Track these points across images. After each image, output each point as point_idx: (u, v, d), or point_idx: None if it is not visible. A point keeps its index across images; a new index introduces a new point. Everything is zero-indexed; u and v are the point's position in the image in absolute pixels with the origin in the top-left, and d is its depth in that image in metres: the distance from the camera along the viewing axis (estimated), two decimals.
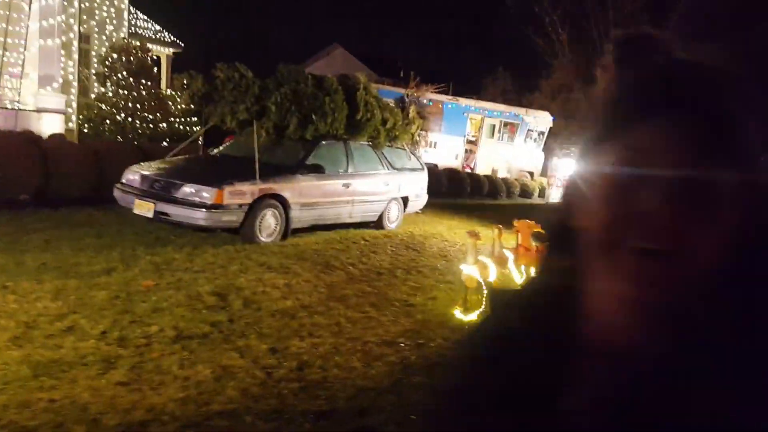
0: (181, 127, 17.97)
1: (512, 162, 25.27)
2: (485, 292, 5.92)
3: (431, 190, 17.69)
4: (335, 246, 8.54)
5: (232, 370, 4.02)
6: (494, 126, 25.78)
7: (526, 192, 22.57)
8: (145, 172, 7.93)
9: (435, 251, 9.14)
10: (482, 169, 24.11)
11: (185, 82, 7.89)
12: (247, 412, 3.48)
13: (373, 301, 6.08)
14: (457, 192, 18.94)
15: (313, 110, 8.77)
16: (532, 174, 25.07)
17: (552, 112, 27.70)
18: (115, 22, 22.76)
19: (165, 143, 16.15)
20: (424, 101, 12.06)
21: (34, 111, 17.15)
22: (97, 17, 22.42)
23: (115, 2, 23.56)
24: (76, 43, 19.63)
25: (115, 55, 17.48)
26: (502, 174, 24.02)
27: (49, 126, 16.65)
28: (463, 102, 24.74)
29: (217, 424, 3.32)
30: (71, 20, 20.79)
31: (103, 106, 17.39)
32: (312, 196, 8.65)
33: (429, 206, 14.70)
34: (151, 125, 17.53)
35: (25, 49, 17.10)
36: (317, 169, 8.72)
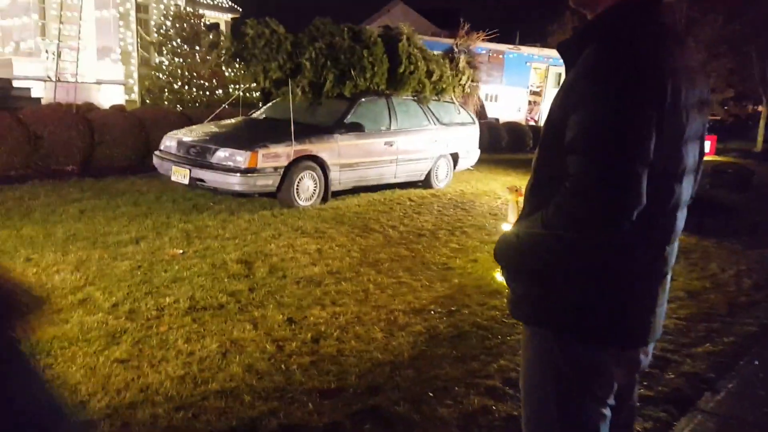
0: (240, 92, 17.91)
1: None
2: None
3: (490, 145, 17.10)
4: (377, 208, 8.18)
5: (241, 343, 3.77)
6: (560, 74, 24.49)
7: None
8: (182, 138, 7.78)
9: (484, 210, 8.64)
10: None
11: (213, 40, 7.59)
12: (247, 390, 3.22)
13: (409, 265, 5.72)
14: (518, 146, 18.16)
15: (351, 65, 8.33)
16: None
17: None
18: None
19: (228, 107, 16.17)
20: (477, 50, 11.37)
21: (93, 83, 17.49)
22: None
23: None
24: (133, 13, 19.79)
25: (168, 23, 17.45)
26: None
27: (109, 97, 16.94)
28: (526, 51, 23.59)
29: (211, 405, 3.07)
30: None
31: (161, 75, 17.47)
32: (352, 156, 8.29)
33: (485, 162, 14.12)
34: (207, 92, 17.53)
35: (81, 21, 17.27)
36: (357, 128, 8.33)
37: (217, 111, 9.17)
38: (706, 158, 1.79)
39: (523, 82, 23.38)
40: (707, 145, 17.19)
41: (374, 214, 7.75)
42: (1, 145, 8.25)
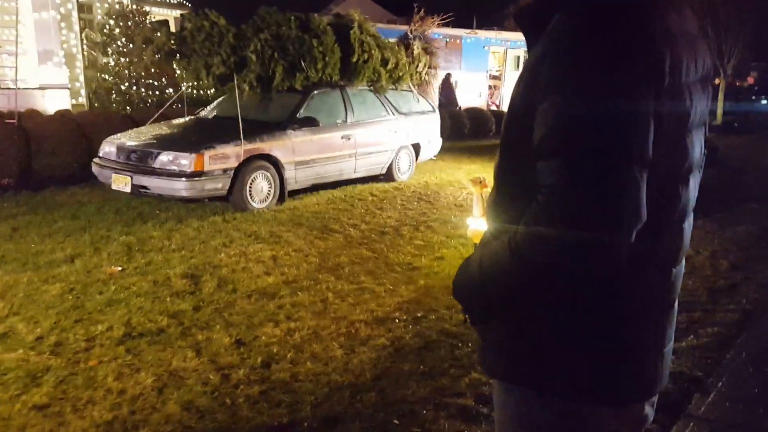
0: (194, 91, 17.21)
1: None
2: None
3: (453, 132, 16.80)
4: (338, 206, 7.77)
5: (181, 375, 3.35)
6: (519, 57, 24.32)
7: None
8: (122, 142, 7.24)
9: (449, 201, 8.30)
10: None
11: (149, 37, 7.05)
12: None
13: (371, 267, 5.33)
14: (481, 132, 17.89)
15: (300, 56, 7.88)
16: None
17: None
18: None
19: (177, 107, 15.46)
20: (433, 36, 11.00)
21: (36, 89, 16.65)
22: None
23: None
24: (75, 13, 18.87)
25: (111, 22, 16.67)
26: None
27: (54, 102, 16.13)
28: (483, 35, 23.30)
29: None
30: None
31: (107, 77, 16.72)
32: (308, 152, 7.85)
33: (449, 151, 13.79)
34: (157, 92, 16.80)
35: (18, 24, 16.37)
36: (311, 123, 7.89)
37: (159, 112, 8.61)
38: None
39: (482, 67, 23.11)
40: None
41: (334, 213, 7.35)
42: None
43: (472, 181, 4.72)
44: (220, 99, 8.62)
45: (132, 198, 7.26)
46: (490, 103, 23.29)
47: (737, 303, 4.67)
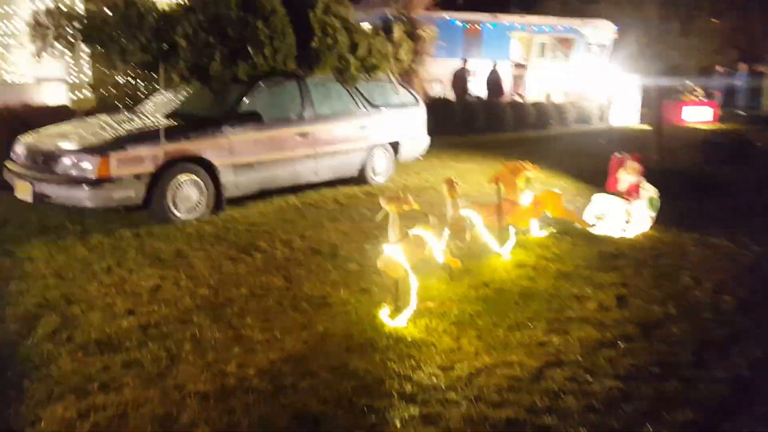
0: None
1: (569, 83, 22.35)
2: (414, 283, 3.96)
3: (464, 125, 15.53)
4: (285, 215, 6.70)
5: None
6: (544, 44, 22.80)
7: (583, 117, 19.74)
8: (30, 142, 6.31)
9: (423, 208, 7.12)
10: (535, 95, 21.34)
11: (42, 22, 6.05)
12: None
13: (270, 303, 4.25)
14: (496, 125, 16.55)
15: (243, 41, 6.80)
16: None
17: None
18: None
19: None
20: (423, 18, 9.80)
21: (32, 82, 16.02)
22: None
23: None
24: (79, 2, 18.25)
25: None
26: (558, 98, 21.22)
27: (51, 97, 15.48)
28: (505, 19, 21.83)
29: None
30: None
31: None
32: (250, 153, 6.79)
33: (449, 146, 12.58)
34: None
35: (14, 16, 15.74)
36: (254, 118, 6.82)
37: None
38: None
39: (504, 55, 21.64)
40: (709, 113, 15.38)
41: (274, 225, 6.28)
42: None
43: (387, 199, 3.55)
44: (157, 92, 7.62)
45: (39, 208, 6.29)
46: (513, 94, 21.84)
47: (730, 368, 3.41)
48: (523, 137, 15.54)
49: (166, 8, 6.58)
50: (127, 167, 5.81)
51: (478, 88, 19.91)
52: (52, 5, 6.24)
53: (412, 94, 9.10)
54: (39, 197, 5.86)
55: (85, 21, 6.20)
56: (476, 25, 21.25)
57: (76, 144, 5.96)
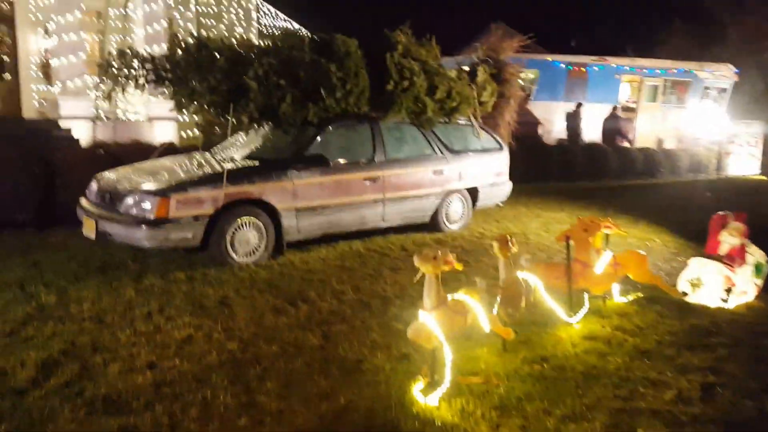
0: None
1: (683, 129, 20.94)
2: (449, 357, 3.47)
3: (561, 171, 14.74)
4: (345, 262, 6.40)
5: None
6: (657, 87, 21.53)
7: (697, 166, 18.29)
8: (102, 179, 6.43)
9: (495, 262, 6.59)
10: (644, 140, 20.10)
11: (113, 64, 6.16)
12: None
13: (298, 365, 3.89)
14: (598, 172, 15.60)
15: (315, 83, 6.67)
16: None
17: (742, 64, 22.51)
18: (243, 23, 22.30)
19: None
20: (513, 60, 9.31)
21: (145, 120, 16.96)
22: (225, 20, 22.14)
23: (243, 3, 23.24)
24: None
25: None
26: (670, 145, 19.91)
27: (161, 134, 16.29)
28: (614, 61, 20.82)
29: None
30: (188, 24, 20.55)
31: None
32: (315, 197, 6.58)
33: (542, 193, 11.95)
34: None
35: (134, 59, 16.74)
36: (320, 162, 6.62)
37: (161, 146, 7.79)
38: None
39: (612, 98, 20.58)
40: None
41: (331, 273, 5.98)
42: None
43: (423, 257, 3.13)
44: (238, 134, 7.61)
45: (105, 245, 6.34)
46: (619, 140, 20.67)
47: None
48: (627, 185, 14.54)
49: (239, 50, 6.57)
50: (186, 208, 5.74)
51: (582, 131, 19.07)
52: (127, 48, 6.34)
53: (494, 138, 8.63)
54: (102, 235, 5.91)
55: (156, 62, 6.29)
56: (581, 68, 20.43)
57: (141, 184, 5.99)
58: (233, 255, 6.05)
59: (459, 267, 3.60)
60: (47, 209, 8.15)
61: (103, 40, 6.67)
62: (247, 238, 6.13)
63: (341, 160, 6.92)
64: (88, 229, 6.04)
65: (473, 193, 8.26)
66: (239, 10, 23.52)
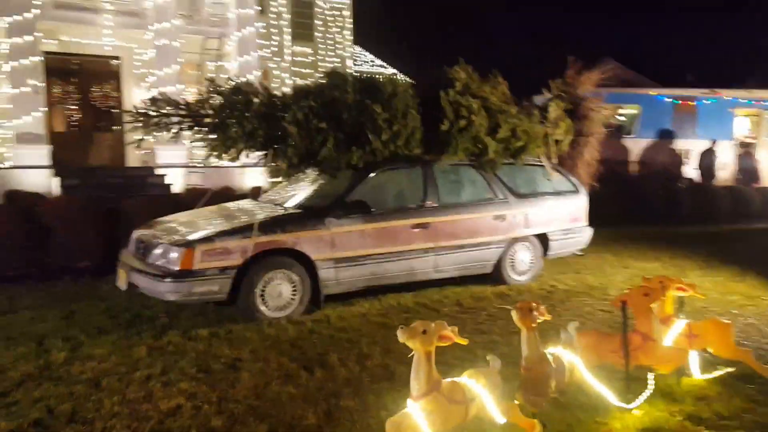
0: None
1: None
2: None
3: (665, 214, 13.36)
4: (387, 319, 5.80)
5: None
6: None
7: None
8: (139, 231, 6.26)
9: (563, 320, 5.74)
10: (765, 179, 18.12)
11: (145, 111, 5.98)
12: None
13: None
14: (705, 215, 14.03)
15: (359, 125, 6.24)
16: None
17: None
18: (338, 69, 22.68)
19: None
20: (592, 94, 8.46)
21: (237, 167, 17.32)
22: (321, 69, 22.61)
23: (338, 51, 23.74)
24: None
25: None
26: None
27: (252, 181, 16.57)
28: (727, 94, 19.02)
29: None
30: (283, 74, 21.13)
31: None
32: (355, 246, 6.07)
33: (636, 238, 10.81)
34: None
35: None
36: (360, 208, 6.13)
37: (209, 194, 7.58)
38: None
39: (725, 133, 18.75)
40: None
41: (365, 332, 5.41)
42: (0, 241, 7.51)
43: (408, 333, 2.49)
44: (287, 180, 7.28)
45: (138, 296, 6.12)
46: (738, 178, 18.72)
47: None
48: (738, 230, 12.91)
49: (277, 94, 6.28)
50: (212, 260, 5.41)
51: (691, 169, 17.52)
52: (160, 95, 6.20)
53: (569, 180, 7.79)
54: (131, 286, 5.69)
55: (190, 108, 6.11)
56: (690, 102, 18.85)
57: (170, 234, 5.75)
58: (263, 309, 5.63)
59: (462, 341, 2.94)
60: (108, 257, 8.19)
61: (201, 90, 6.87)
62: (279, 292, 5.71)
63: (386, 206, 6.40)
64: (121, 280, 5.86)
65: (543, 240, 7.43)
66: (335, 59, 23.99)
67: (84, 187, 14.55)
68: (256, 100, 6.07)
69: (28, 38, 13.95)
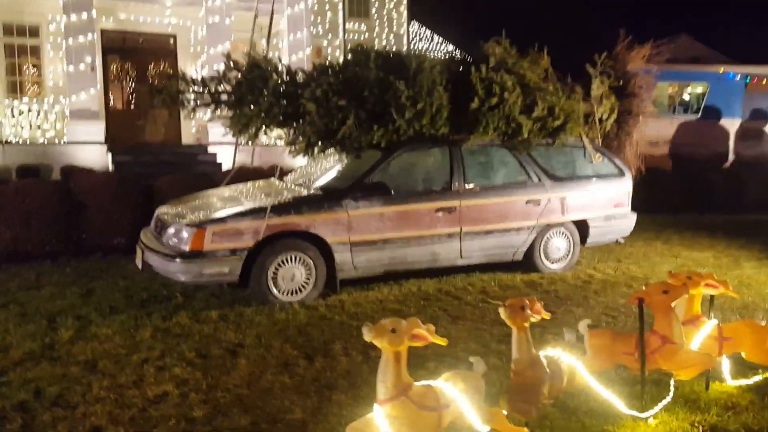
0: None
1: None
2: None
3: (726, 200, 12.50)
4: (405, 306, 5.57)
5: None
6: None
7: None
8: (159, 210, 6.20)
9: (595, 313, 5.37)
10: None
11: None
12: None
13: None
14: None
15: (382, 103, 5.96)
16: None
17: None
18: (395, 49, 22.28)
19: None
20: (644, 72, 7.85)
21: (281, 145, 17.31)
22: (376, 47, 22.30)
23: (395, 29, 23.36)
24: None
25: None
26: None
27: (301, 160, 16.54)
28: None
29: None
30: (336, 52, 20.90)
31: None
32: (373, 230, 5.83)
33: (691, 226, 10.14)
34: None
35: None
36: (380, 190, 5.87)
37: (232, 172, 7.43)
38: None
39: None
40: None
41: (378, 319, 5.16)
42: (35, 218, 7.65)
43: (375, 331, 2.26)
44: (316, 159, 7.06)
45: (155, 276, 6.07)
46: None
47: None
48: None
49: (299, 71, 6.06)
50: (223, 241, 5.28)
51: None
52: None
53: (613, 162, 7.28)
54: (145, 266, 5.65)
55: (207, 84, 5.96)
56: (764, 80, 17.53)
57: (185, 214, 5.65)
58: (276, 293, 5.48)
59: (441, 341, 2.67)
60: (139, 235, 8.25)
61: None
62: (293, 275, 5.54)
63: (409, 188, 6.12)
64: (138, 259, 5.83)
65: (582, 227, 6.98)
66: (391, 36, 23.55)
67: (136, 164, 14.84)
68: (275, 76, 5.86)
69: (85, 16, 14.20)
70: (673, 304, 3.40)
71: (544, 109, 6.57)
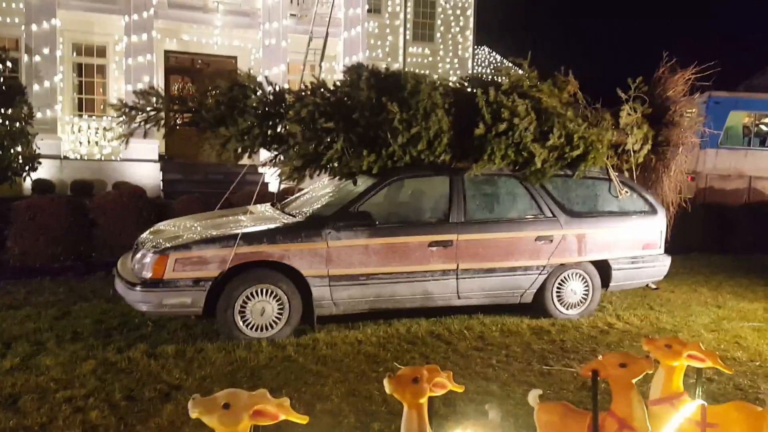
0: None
1: None
2: None
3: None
4: (383, 350, 5.02)
5: None
6: None
7: None
8: (147, 232, 5.95)
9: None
10: None
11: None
12: None
13: None
14: None
15: (375, 127, 5.51)
16: None
17: None
18: (459, 72, 21.86)
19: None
20: (686, 98, 6.99)
21: None
22: (440, 70, 21.99)
23: (459, 52, 23.01)
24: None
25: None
26: None
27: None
28: None
29: None
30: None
31: None
32: (356, 264, 5.34)
33: (749, 270, 9.04)
34: None
35: None
36: (365, 220, 5.38)
37: (226, 196, 7.09)
38: None
39: None
40: None
41: (345, 366, 4.66)
42: (44, 234, 7.64)
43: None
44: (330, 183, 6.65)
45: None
46: None
47: None
48: None
49: (277, 89, 5.70)
50: (186, 269, 4.94)
51: None
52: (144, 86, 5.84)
53: (644, 197, 6.50)
54: (115, 292, 5.39)
55: (186, 103, 5.68)
56: None
57: (156, 239, 5.36)
58: (243, 327, 5.08)
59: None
60: None
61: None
62: (263, 309, 5.12)
63: (400, 219, 5.62)
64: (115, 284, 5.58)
65: (603, 268, 6.23)
66: (455, 60, 23.12)
67: (184, 182, 14.99)
68: (255, 96, 5.51)
69: (145, 37, 14.55)
70: (634, 380, 2.74)
71: (561, 137, 5.93)
